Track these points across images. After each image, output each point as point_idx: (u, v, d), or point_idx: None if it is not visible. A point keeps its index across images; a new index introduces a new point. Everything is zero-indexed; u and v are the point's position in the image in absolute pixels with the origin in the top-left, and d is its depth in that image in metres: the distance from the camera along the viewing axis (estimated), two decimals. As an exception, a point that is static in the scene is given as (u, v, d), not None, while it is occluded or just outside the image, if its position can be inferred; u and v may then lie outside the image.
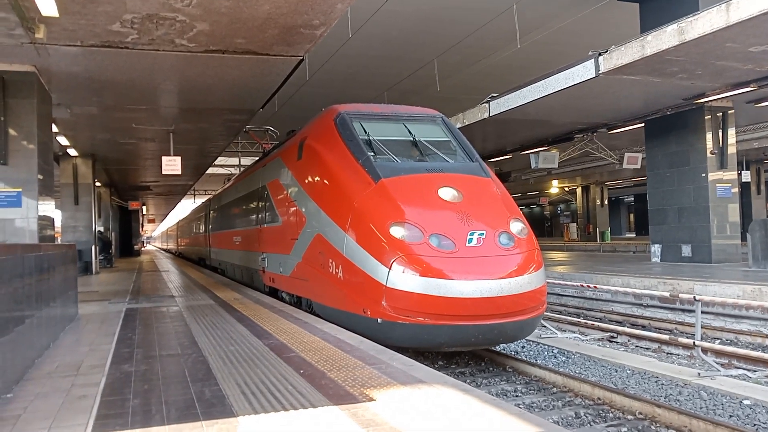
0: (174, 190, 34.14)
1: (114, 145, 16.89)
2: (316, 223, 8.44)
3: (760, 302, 8.81)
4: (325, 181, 8.39)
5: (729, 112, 17.36)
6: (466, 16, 16.40)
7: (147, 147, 17.29)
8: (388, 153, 8.08)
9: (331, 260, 7.77)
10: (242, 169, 26.04)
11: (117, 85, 10.26)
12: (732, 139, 17.51)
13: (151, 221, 61.17)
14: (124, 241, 38.62)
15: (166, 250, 59.88)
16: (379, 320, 6.71)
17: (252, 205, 13.75)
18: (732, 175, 17.55)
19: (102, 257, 23.15)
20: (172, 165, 14.57)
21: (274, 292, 11.57)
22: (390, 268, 6.61)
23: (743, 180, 24.74)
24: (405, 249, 6.66)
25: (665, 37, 11.55)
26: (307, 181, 9.12)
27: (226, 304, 9.86)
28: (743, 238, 17.45)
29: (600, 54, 13.28)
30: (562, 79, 14.45)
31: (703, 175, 17.36)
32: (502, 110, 16.78)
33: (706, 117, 17.26)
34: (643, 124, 19.10)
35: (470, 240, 6.84)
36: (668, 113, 17.68)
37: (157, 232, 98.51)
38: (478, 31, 16.86)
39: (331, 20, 7.70)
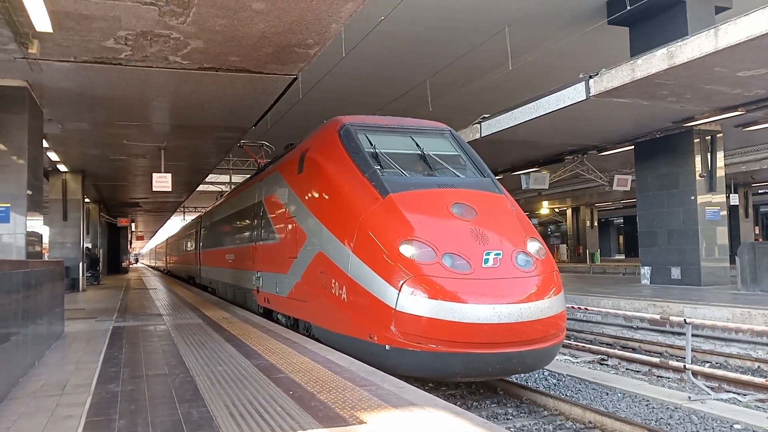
0: (164, 207, 33.99)
1: (104, 161, 16.82)
2: (318, 240, 7.94)
3: (749, 326, 8.82)
4: (329, 196, 7.92)
5: (717, 135, 17.56)
6: (459, 38, 16.54)
7: (138, 163, 17.23)
8: (396, 166, 7.59)
9: (333, 280, 7.25)
10: (234, 186, 25.67)
11: (109, 101, 10.24)
12: (720, 162, 17.68)
13: (140, 238, 60.79)
14: (112, 258, 38.29)
15: (155, 268, 59.44)
16: (387, 347, 6.20)
17: (246, 222, 13.19)
18: (721, 198, 17.69)
19: (89, 274, 22.92)
20: (162, 182, 14.53)
21: (268, 314, 11.02)
22: (400, 290, 6.13)
23: (731, 203, 25.01)
24: (416, 269, 6.20)
25: (655, 61, 11.69)
26: (308, 195, 8.62)
27: (214, 323, 9.76)
28: (732, 261, 17.55)
29: (591, 77, 13.41)
30: (553, 101, 14.56)
31: (693, 197, 17.49)
32: (493, 131, 16.88)
33: (695, 140, 17.45)
34: (632, 147, 19.28)
35: (486, 260, 6.38)
36: (658, 136, 17.85)
37: (146, 249, 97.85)
38: (471, 53, 17.01)
39: (326, 40, 7.74)
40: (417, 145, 8.15)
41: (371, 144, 7.87)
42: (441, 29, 16.10)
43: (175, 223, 49.92)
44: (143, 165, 17.33)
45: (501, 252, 6.51)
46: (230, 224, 15.63)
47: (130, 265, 53.77)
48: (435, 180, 7.51)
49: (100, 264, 26.88)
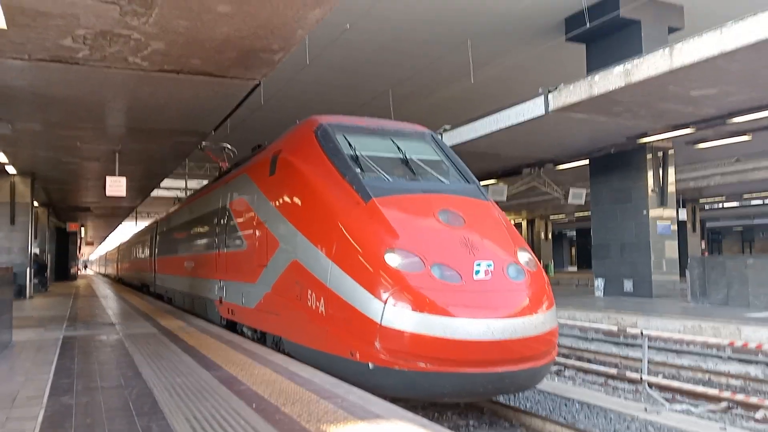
0: (116, 212, 33.08)
1: (56, 164, 16.25)
2: (292, 247, 7.34)
3: (704, 338, 9.08)
4: (305, 200, 7.35)
5: (669, 152, 18.14)
6: (422, 49, 16.67)
7: (90, 167, 16.71)
8: (378, 170, 7.10)
9: (310, 292, 6.67)
10: (192, 191, 24.79)
11: (64, 101, 9.90)
12: (672, 178, 18.26)
13: (89, 244, 58.98)
14: (60, 264, 37.03)
15: (105, 275, 57.75)
16: (371, 365, 5.69)
17: (209, 227, 12.39)
18: (671, 212, 18.26)
19: (36, 281, 22.08)
20: (116, 186, 14.11)
21: (232, 326, 10.30)
22: (385, 303, 5.65)
23: (680, 218, 25.84)
24: (403, 281, 5.72)
25: (612, 78, 12.00)
26: (281, 199, 8.01)
27: (170, 332, 9.49)
28: (681, 274, 18.09)
29: (549, 92, 13.69)
30: (513, 115, 14.79)
31: (645, 212, 17.98)
32: (454, 142, 17.03)
33: (648, 156, 17.97)
34: (588, 161, 19.73)
35: (477, 272, 5.94)
36: (612, 151, 18.32)
37: (96, 255, 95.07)
38: (433, 64, 17.16)
39: (291, 46, 7.66)
40: (398, 148, 7.69)
41: (350, 146, 7.38)
42: (405, 40, 16.21)
43: (128, 229, 48.65)
44: (96, 168, 16.81)
45: (492, 263, 6.09)
46: (190, 230, 14.90)
47: (79, 272, 52.12)
48: (419, 185, 7.09)
49: (48, 270, 25.94)
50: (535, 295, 6.12)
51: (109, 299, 18.35)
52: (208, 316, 11.88)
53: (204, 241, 12.92)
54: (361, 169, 7.04)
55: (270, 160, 8.62)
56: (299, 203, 7.50)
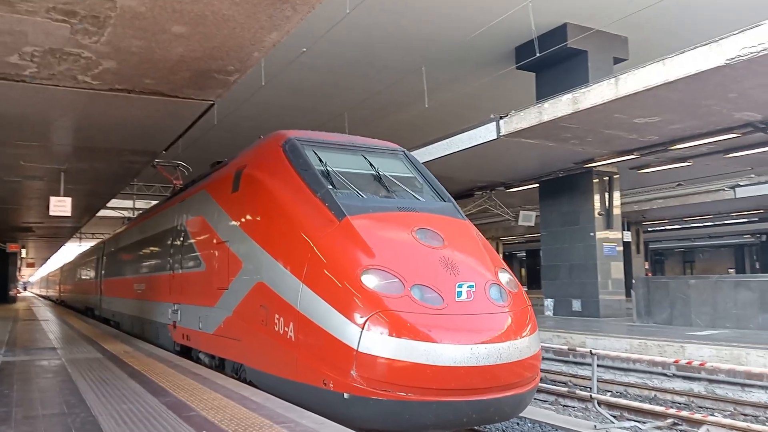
0: (59, 233, 31.93)
1: (-4, 183, 15.63)
2: (258, 268, 6.89)
3: (650, 356, 9.34)
4: (273, 218, 6.92)
5: (614, 176, 18.77)
6: (377, 73, 16.88)
7: (34, 186, 16.11)
8: (351, 187, 6.75)
9: (278, 316, 6.22)
10: (141, 211, 23.84)
11: (7, 119, 9.55)
12: (617, 201, 18.88)
13: (30, 265, 56.72)
14: (-1, 286, 35.50)
15: (46, 297, 55.58)
16: (346, 395, 5.28)
17: (163, 247, 11.69)
18: (617, 234, 18.84)
19: (-28, 303, 21.07)
20: (61, 206, 13.64)
21: (186, 352, 9.72)
22: (363, 328, 5.26)
23: (625, 240, 26.66)
24: (381, 303, 5.38)
25: (561, 106, 12.40)
26: (245, 217, 7.56)
27: (115, 357, 9.19)
28: (627, 294, 18.62)
29: (501, 117, 14.03)
30: (465, 139, 15.08)
31: (592, 234, 18.50)
32: (408, 165, 17.20)
33: (594, 180, 18.56)
34: (537, 185, 20.23)
35: (459, 293, 5.63)
36: (560, 175, 18.86)
37: (36, 277, 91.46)
38: (388, 88, 17.37)
39: (247, 67, 7.62)
40: (370, 164, 7.36)
41: (321, 161, 7.02)
42: (361, 64, 16.39)
43: (71, 250, 47.05)
44: (40, 187, 16.22)
45: (474, 284, 5.79)
46: (142, 250, 14.19)
47: (18, 294, 49.98)
48: (395, 203, 6.77)
49: (-15, 293, 24.82)
50: (518, 318, 5.87)
51: (51, 323, 17.64)
52: (160, 341, 11.25)
53: (157, 261, 12.23)
54: (333, 185, 6.67)
55: (233, 176, 8.16)
56: (266, 221, 7.06)
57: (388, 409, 5.19)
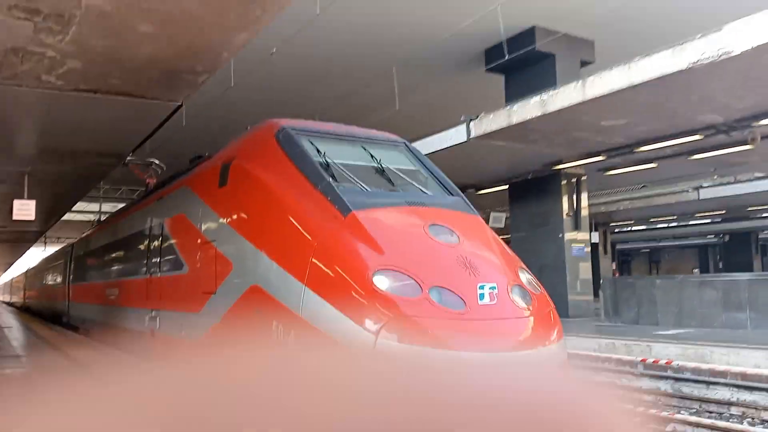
0: (23, 237, 31.18)
1: (-44, 186, 15.21)
2: (251, 269, 6.29)
3: (619, 355, 9.48)
4: (268, 214, 6.34)
5: (582, 178, 19.05)
6: (349, 75, 16.89)
7: (-4, 189, 15.75)
8: (354, 179, 6.22)
9: (276, 323, 5.57)
10: (110, 212, 22.27)
11: (-33, 120, 9.33)
12: (585, 202, 19.17)
13: (-8, 270, 55.26)
14: (-41, 292, 34.49)
15: (9, 303, 54.18)
16: None
17: (137, 249, 11.02)
18: (585, 235, 19.12)
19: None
20: (25, 210, 13.34)
21: None
22: (377, 336, 4.73)
23: (593, 241, 27.10)
24: (397, 308, 4.84)
25: (529, 108, 12.55)
26: (235, 214, 6.93)
27: (83, 365, 9.00)
28: (595, 295, 18.91)
29: (471, 120, 14.14)
30: (436, 141, 15.16)
31: (560, 235, 18.74)
32: (379, 167, 17.23)
33: (563, 182, 18.80)
34: (507, 186, 20.43)
35: (482, 296, 5.11)
36: (529, 177, 19.06)
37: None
38: (360, 90, 17.37)
39: (215, 68, 7.58)
40: (371, 156, 6.83)
41: (319, 152, 6.47)
42: (332, 65, 16.37)
43: (36, 254, 45.96)
44: (3, 191, 15.83)
45: (496, 285, 5.27)
46: (114, 252, 13.43)
47: (-21, 301, 48.66)
48: (402, 197, 6.25)
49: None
50: (545, 322, 5.42)
51: (14, 330, 17.20)
52: (135, 350, 10.45)
53: (132, 264, 11.53)
54: (334, 178, 6.13)
55: (219, 170, 7.51)
56: (260, 217, 6.48)
57: None
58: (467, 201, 6.78)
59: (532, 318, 5.32)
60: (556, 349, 5.24)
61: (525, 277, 5.80)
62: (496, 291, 5.21)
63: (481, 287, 5.16)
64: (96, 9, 5.67)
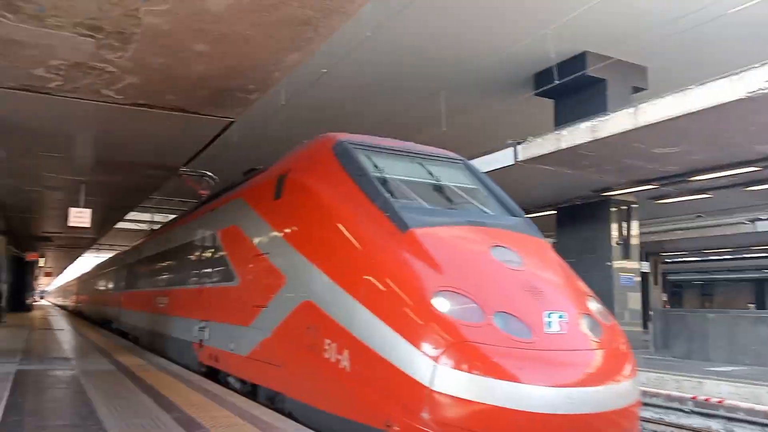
0: (78, 244, 32.34)
1: (18, 192, 15.89)
2: (305, 284, 6.09)
3: (668, 391, 9.14)
4: (324, 228, 6.11)
5: (633, 206, 18.60)
6: (397, 95, 16.98)
7: (54, 196, 16.37)
8: (412, 196, 6.03)
9: (329, 341, 5.35)
10: (163, 223, 22.82)
11: (30, 130, 9.76)
12: (635, 231, 18.69)
13: (48, 274, 57.40)
14: (16, 294, 35.87)
15: (63, 307, 56.05)
16: None
17: (190, 259, 10.92)
18: (634, 264, 18.62)
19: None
20: (80, 217, 13.85)
21: (213, 374, 8.76)
22: (437, 362, 4.40)
23: (643, 270, 26.37)
24: (459, 333, 4.52)
25: (579, 133, 12.36)
26: (290, 227, 6.74)
27: (127, 370, 9.22)
28: (644, 326, 18.34)
29: (518, 143, 14.02)
30: (482, 164, 15.00)
31: (608, 263, 18.30)
32: (424, 188, 17.20)
33: (612, 209, 18.39)
34: (555, 211, 20.10)
35: (549, 324, 4.80)
36: (578, 203, 18.73)
37: (53, 286, 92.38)
38: (407, 110, 17.45)
39: (267, 87, 7.74)
40: (429, 173, 6.66)
41: (376, 167, 6.30)
42: (381, 86, 16.51)
43: (88, 261, 47.50)
44: (60, 198, 16.47)
45: (565, 314, 4.95)
46: (165, 262, 13.46)
47: (35, 303, 50.53)
48: (463, 215, 6.00)
49: (3, 300, 25.09)
50: (618, 357, 5.06)
51: (66, 332, 17.78)
52: (183, 361, 10.37)
53: (183, 274, 11.48)
54: (392, 194, 5.91)
55: (275, 182, 7.39)
56: (315, 231, 6.26)
57: None
58: (531, 223, 6.49)
59: (604, 351, 4.98)
60: (629, 387, 4.89)
61: (595, 306, 5.46)
62: (564, 320, 4.91)
63: (549, 315, 4.86)
64: (154, 28, 5.89)
